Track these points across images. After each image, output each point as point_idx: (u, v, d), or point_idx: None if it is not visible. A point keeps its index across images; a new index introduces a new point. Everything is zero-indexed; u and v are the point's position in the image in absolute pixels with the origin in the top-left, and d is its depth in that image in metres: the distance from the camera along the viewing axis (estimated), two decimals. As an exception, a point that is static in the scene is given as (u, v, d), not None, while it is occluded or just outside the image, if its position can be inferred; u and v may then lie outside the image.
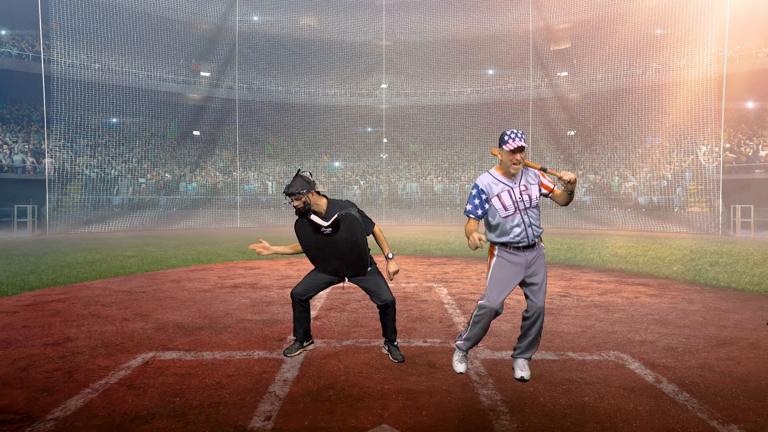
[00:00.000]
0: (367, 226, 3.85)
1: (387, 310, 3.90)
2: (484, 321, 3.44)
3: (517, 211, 3.39)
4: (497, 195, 3.40)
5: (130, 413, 2.92)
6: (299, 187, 3.77)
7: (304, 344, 4.07)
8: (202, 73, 30.64)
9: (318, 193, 3.85)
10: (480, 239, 3.22)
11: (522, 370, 3.48)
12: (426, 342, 4.38)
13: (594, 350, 4.13)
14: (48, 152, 22.27)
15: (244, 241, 15.30)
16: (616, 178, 25.84)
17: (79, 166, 23.16)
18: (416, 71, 30.38)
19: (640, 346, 4.22)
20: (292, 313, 4.01)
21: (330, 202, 3.86)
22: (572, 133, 29.84)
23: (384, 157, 31.94)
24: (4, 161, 23.31)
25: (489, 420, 2.85)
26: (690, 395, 3.18)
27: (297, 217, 3.88)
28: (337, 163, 32.07)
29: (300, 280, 4.11)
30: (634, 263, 9.59)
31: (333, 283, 3.99)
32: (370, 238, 3.89)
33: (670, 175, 23.46)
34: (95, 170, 24.43)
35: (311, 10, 30.16)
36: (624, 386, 3.34)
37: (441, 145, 32.11)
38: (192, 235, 18.54)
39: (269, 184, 29.09)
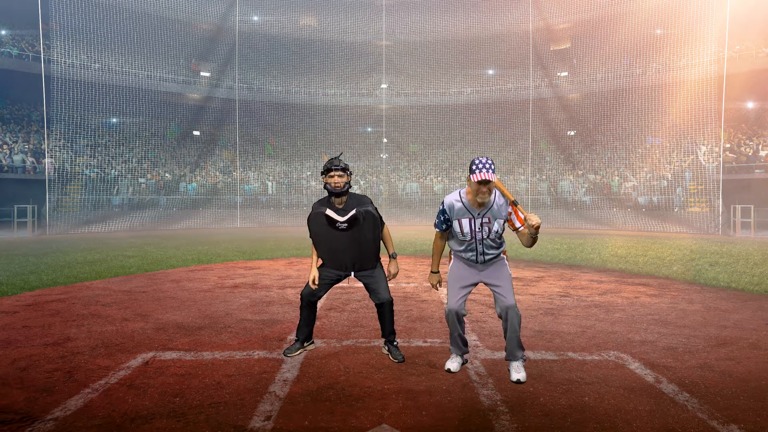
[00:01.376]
0: (379, 224, 3.88)
1: (384, 310, 3.90)
2: (450, 322, 3.62)
3: (473, 240, 3.50)
4: (458, 219, 3.49)
5: (130, 413, 2.92)
6: (346, 165, 3.74)
7: (305, 345, 4.07)
8: (202, 73, 30.65)
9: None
10: (438, 284, 3.83)
11: (517, 372, 3.47)
12: (426, 342, 4.38)
13: (594, 350, 4.13)
14: (48, 152, 22.28)
15: (244, 242, 15.30)
16: (616, 178, 25.85)
17: (79, 166, 23.17)
18: (416, 71, 30.39)
19: (640, 346, 4.22)
20: (293, 313, 4.01)
21: (349, 195, 3.82)
22: (572, 133, 29.85)
23: (384, 157, 31.95)
24: (4, 161, 23.32)
25: (489, 420, 2.85)
26: (690, 395, 3.18)
27: (313, 211, 3.84)
28: (337, 163, 32.04)
29: (302, 279, 4.09)
30: (634, 263, 9.59)
31: (339, 280, 3.96)
32: None
33: (670, 175, 23.46)
34: (95, 170, 24.44)
35: (311, 10, 30.17)
36: (624, 386, 3.33)
37: (441, 145, 32.12)
38: (192, 235, 18.54)
39: (269, 184, 29.10)
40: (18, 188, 22.50)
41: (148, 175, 26.37)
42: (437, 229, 3.63)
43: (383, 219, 3.96)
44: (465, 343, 3.71)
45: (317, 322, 5.05)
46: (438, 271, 3.86)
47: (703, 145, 23.02)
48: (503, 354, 4.00)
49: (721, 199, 20.18)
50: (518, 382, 3.40)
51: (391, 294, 4.00)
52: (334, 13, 29.66)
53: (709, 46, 21.54)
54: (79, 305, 5.83)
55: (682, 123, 22.70)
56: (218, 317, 5.28)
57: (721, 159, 20.89)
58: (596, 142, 27.87)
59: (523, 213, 3.32)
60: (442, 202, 3.53)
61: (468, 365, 3.76)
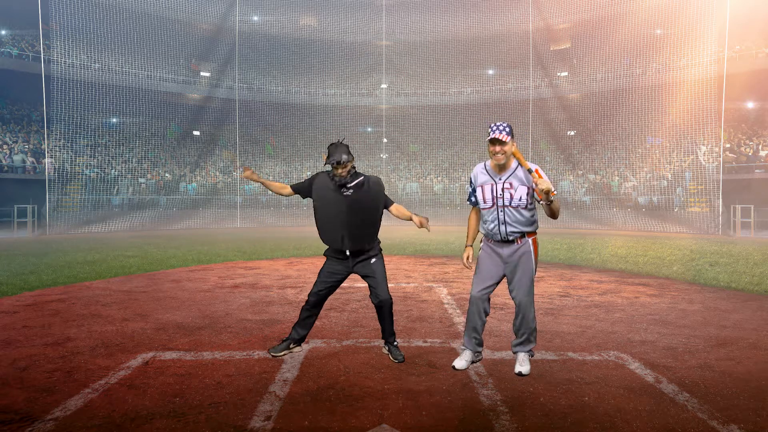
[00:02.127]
0: (387, 200, 3.86)
1: (383, 310, 3.86)
2: (469, 311, 3.66)
3: (495, 207, 3.47)
4: (480, 186, 3.53)
5: (130, 413, 2.92)
6: (346, 155, 3.68)
7: (291, 347, 4.00)
8: (202, 73, 30.65)
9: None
10: (468, 259, 3.66)
11: (521, 365, 3.51)
12: (426, 342, 4.38)
13: (594, 350, 4.13)
14: (48, 152, 22.28)
15: (244, 242, 15.30)
16: (616, 178, 25.85)
17: (79, 166, 23.17)
18: (416, 71, 30.39)
19: (640, 346, 4.22)
20: (293, 313, 4.01)
21: (356, 172, 3.79)
22: (572, 133, 29.85)
23: (384, 157, 31.96)
24: (4, 161, 23.32)
25: (489, 420, 2.85)
26: (690, 395, 3.18)
27: (320, 172, 3.82)
28: (337, 163, 32.07)
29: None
30: (634, 263, 9.59)
31: (341, 279, 3.88)
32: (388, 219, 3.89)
33: (670, 175, 23.46)
34: (95, 170, 24.44)
35: (311, 10, 30.16)
36: (624, 386, 3.33)
37: (441, 145, 32.12)
38: (192, 235, 18.54)
39: (269, 184, 29.07)
40: (18, 188, 22.49)
41: (148, 175, 26.37)
42: (469, 203, 3.70)
43: (393, 201, 3.96)
44: (479, 342, 3.67)
45: (318, 322, 5.05)
46: (471, 246, 3.74)
47: (703, 145, 23.02)
48: (503, 354, 4.01)
49: (721, 199, 20.18)
50: (520, 374, 3.42)
51: (391, 294, 3.98)
52: (334, 13, 29.66)
53: (709, 46, 21.54)
54: (79, 305, 5.83)
55: (682, 123, 22.70)
56: (218, 317, 5.28)
57: (721, 159, 20.89)
58: (596, 142, 27.87)
59: (536, 180, 3.28)
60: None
61: (467, 363, 3.75)
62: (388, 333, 3.93)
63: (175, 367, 3.72)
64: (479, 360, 3.76)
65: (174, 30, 26.81)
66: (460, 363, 3.65)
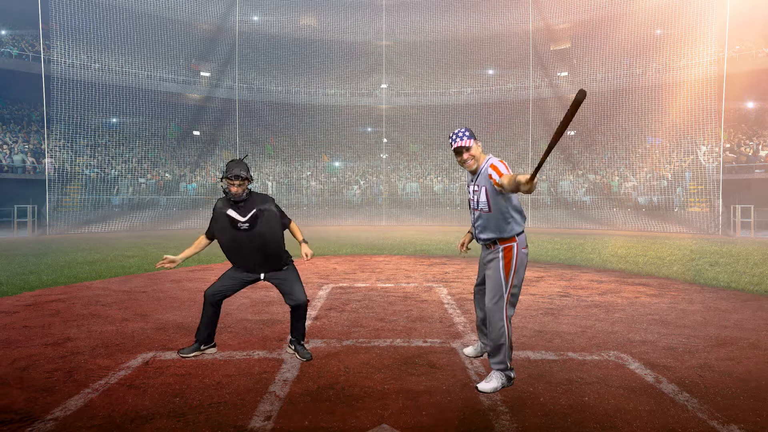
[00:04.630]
0: (285, 220, 3.93)
1: (299, 312, 3.91)
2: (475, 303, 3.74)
3: (472, 210, 3.50)
4: (467, 186, 3.56)
5: (130, 413, 2.92)
6: (245, 172, 3.71)
7: (202, 348, 3.97)
8: (202, 73, 30.65)
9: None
10: (463, 245, 3.66)
11: (485, 380, 3.27)
12: (426, 342, 4.38)
13: (594, 350, 4.13)
14: (48, 152, 22.28)
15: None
16: (616, 178, 25.85)
17: (79, 166, 23.17)
18: (416, 71, 30.38)
19: (640, 346, 4.22)
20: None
21: (250, 193, 3.82)
22: (572, 133, 29.84)
23: (384, 157, 31.95)
24: (4, 161, 23.31)
25: (489, 420, 2.85)
26: (690, 395, 3.18)
27: (217, 210, 3.83)
28: (337, 163, 32.09)
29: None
30: (634, 263, 9.59)
31: (249, 282, 3.94)
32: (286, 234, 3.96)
33: (670, 175, 23.46)
34: (95, 170, 24.44)
35: (311, 10, 30.16)
36: (624, 386, 3.33)
37: (441, 145, 32.10)
38: (192, 235, 18.47)
39: (269, 184, 29.10)
40: (18, 188, 22.49)
41: (148, 175, 26.37)
42: None
43: (289, 216, 4.02)
44: (484, 334, 3.69)
45: (317, 322, 5.05)
46: (470, 231, 3.70)
47: (703, 145, 23.02)
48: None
49: (721, 199, 20.17)
50: (476, 389, 3.23)
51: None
52: (334, 13, 29.65)
53: (709, 46, 21.53)
54: (79, 305, 5.83)
55: (682, 123, 22.69)
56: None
57: (721, 159, 20.89)
58: (596, 142, 27.86)
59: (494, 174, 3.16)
60: None
61: (468, 365, 3.76)
62: (299, 333, 3.95)
63: (175, 367, 3.72)
64: (486, 352, 3.75)
65: (174, 30, 26.80)
66: (468, 349, 3.81)
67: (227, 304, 5.91)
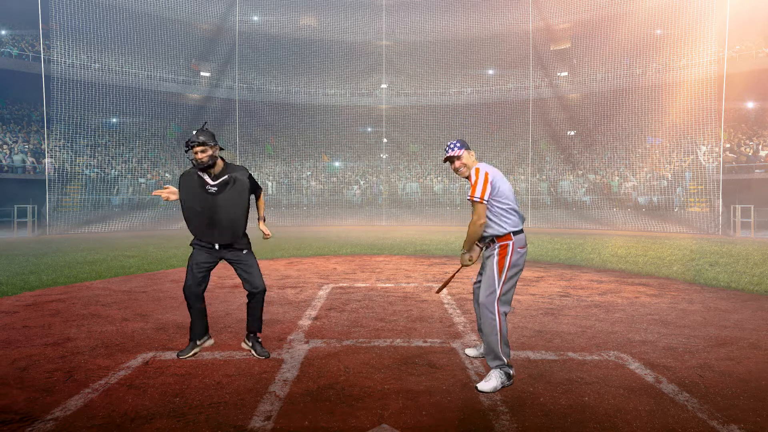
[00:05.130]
0: (256, 190, 3.94)
1: (256, 298, 3.91)
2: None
3: None
4: None
5: (130, 413, 2.92)
6: (209, 138, 3.71)
7: (198, 342, 3.96)
8: (202, 73, 30.65)
9: (220, 150, 3.84)
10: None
11: (485, 381, 3.30)
12: (426, 342, 4.38)
13: (594, 350, 4.13)
14: (48, 152, 22.28)
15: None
16: (616, 178, 25.84)
17: (79, 166, 23.17)
18: (416, 71, 30.38)
19: (640, 346, 4.22)
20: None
21: (225, 165, 3.84)
22: (572, 133, 29.85)
23: (384, 157, 31.95)
24: (4, 161, 23.31)
25: (489, 420, 2.85)
26: (690, 395, 3.18)
27: (187, 170, 3.82)
28: (337, 163, 32.09)
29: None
30: (634, 263, 9.59)
31: (213, 263, 3.92)
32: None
33: (670, 175, 23.46)
34: (95, 170, 24.44)
35: (311, 10, 30.16)
36: (624, 386, 3.33)
37: (441, 145, 32.06)
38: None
39: (269, 184, 29.10)
40: (18, 188, 22.49)
41: (148, 175, 26.37)
42: None
43: (261, 188, 4.05)
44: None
45: (317, 322, 5.05)
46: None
47: (703, 145, 23.02)
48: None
49: (721, 199, 20.17)
50: (480, 391, 3.24)
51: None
52: (334, 13, 29.65)
53: (709, 46, 21.53)
54: (79, 305, 5.83)
55: (682, 123, 22.69)
56: (218, 317, 5.28)
57: (721, 159, 20.89)
58: (596, 142, 27.86)
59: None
60: None
61: (468, 365, 3.76)
62: (255, 325, 3.94)
63: (175, 367, 3.72)
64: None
65: (174, 30, 26.80)
66: (470, 350, 3.84)
67: (227, 304, 5.91)
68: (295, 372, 3.62)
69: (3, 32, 27.09)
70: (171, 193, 3.85)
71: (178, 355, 3.90)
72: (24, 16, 25.39)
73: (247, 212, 3.91)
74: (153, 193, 3.93)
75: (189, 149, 3.70)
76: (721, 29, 20.44)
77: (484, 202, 3.35)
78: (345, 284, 7.33)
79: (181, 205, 3.88)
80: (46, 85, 20.33)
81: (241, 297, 6.38)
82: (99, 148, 25.55)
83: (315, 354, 4.03)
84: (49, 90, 20.76)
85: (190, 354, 3.90)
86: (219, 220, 3.79)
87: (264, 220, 4.14)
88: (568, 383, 3.39)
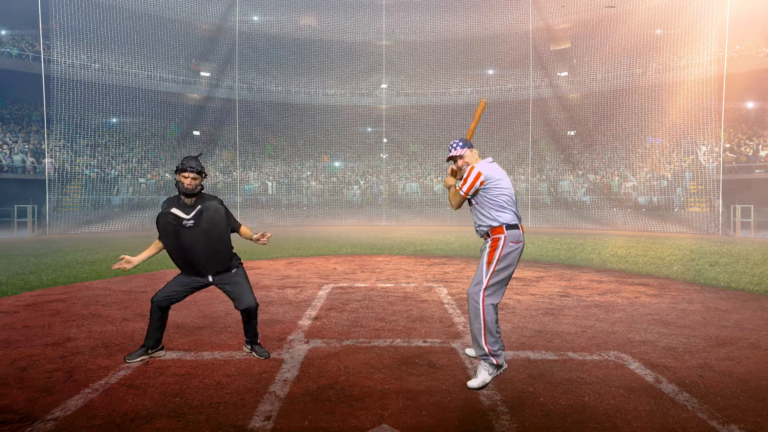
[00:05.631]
0: (233, 224, 3.89)
1: (250, 316, 3.89)
2: None
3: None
4: None
5: (130, 413, 2.92)
6: (201, 167, 3.72)
7: (150, 352, 3.90)
8: (202, 73, 30.64)
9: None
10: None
11: (474, 378, 3.36)
12: (426, 342, 4.38)
13: (594, 350, 4.13)
14: (48, 152, 22.27)
15: (244, 242, 15.27)
16: (616, 178, 25.84)
17: (79, 166, 23.16)
18: (416, 71, 30.37)
19: (640, 346, 4.22)
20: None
21: (201, 195, 3.81)
22: (572, 133, 29.84)
23: (384, 157, 31.95)
24: (4, 161, 23.31)
25: (489, 420, 2.85)
26: (690, 395, 3.18)
27: (161, 211, 3.78)
28: (337, 163, 32.08)
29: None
30: (634, 263, 9.59)
31: (197, 288, 3.89)
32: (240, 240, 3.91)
33: (670, 175, 23.45)
34: (95, 170, 24.44)
35: (311, 10, 30.15)
36: (624, 386, 3.33)
37: (441, 145, 32.07)
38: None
39: (269, 184, 29.11)
40: (18, 188, 22.48)
41: (148, 175, 26.37)
42: None
43: (240, 223, 4.00)
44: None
45: (317, 322, 5.05)
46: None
47: (703, 145, 23.02)
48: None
49: (721, 199, 20.17)
50: (470, 388, 3.27)
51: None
52: (334, 13, 29.64)
53: (709, 46, 21.52)
54: (79, 305, 5.83)
55: (682, 123, 22.68)
56: (218, 317, 5.28)
57: (721, 159, 20.88)
58: (596, 142, 27.85)
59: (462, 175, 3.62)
60: None
61: (468, 365, 3.76)
62: (252, 335, 3.95)
63: (175, 367, 3.72)
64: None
65: (174, 30, 26.79)
66: (470, 350, 3.86)
67: (227, 304, 5.90)
68: (295, 372, 3.62)
69: (3, 32, 27.09)
70: (127, 262, 3.76)
71: (125, 359, 3.83)
72: (24, 16, 25.38)
73: (229, 238, 3.88)
74: (113, 267, 3.86)
75: (180, 171, 3.67)
76: (721, 29, 20.44)
77: (464, 194, 3.55)
78: (345, 284, 7.33)
79: (163, 243, 3.84)
80: (46, 85, 20.33)
81: (241, 297, 6.38)
82: (99, 148, 25.54)
83: (315, 354, 4.03)
84: (49, 90, 20.76)
85: (138, 360, 3.82)
86: (203, 254, 3.76)
87: (255, 234, 4.02)
88: (568, 383, 3.39)
